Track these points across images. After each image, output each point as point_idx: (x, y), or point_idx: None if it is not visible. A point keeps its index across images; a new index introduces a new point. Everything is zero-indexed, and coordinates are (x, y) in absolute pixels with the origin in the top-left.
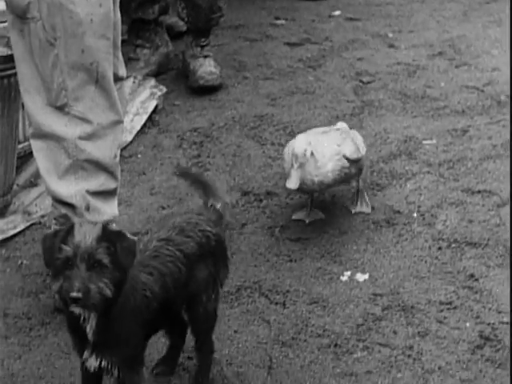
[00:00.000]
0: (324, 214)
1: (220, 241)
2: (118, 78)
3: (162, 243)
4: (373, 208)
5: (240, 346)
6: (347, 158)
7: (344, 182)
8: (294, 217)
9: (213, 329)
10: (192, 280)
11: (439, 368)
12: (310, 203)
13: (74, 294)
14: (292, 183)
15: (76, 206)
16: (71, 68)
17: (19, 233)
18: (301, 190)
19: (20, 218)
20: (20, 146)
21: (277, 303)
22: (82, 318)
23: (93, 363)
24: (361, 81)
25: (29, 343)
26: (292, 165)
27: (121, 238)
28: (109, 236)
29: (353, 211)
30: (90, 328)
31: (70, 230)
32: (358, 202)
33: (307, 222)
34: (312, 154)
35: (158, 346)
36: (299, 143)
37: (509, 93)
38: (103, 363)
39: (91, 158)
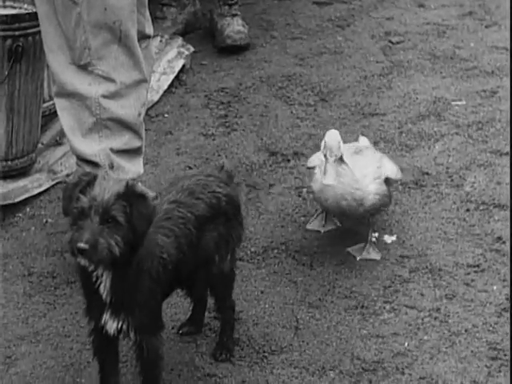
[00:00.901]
0: None
1: (232, 201)
2: (144, 36)
3: (172, 206)
4: (401, 170)
5: (267, 306)
6: (387, 179)
7: (377, 212)
8: (308, 226)
9: (231, 289)
10: (203, 241)
11: (466, 330)
12: (324, 213)
13: (82, 245)
14: (330, 178)
15: (100, 164)
16: (94, 27)
17: (44, 191)
18: (336, 213)
19: (45, 176)
20: (45, 104)
21: (304, 264)
22: (95, 277)
23: (112, 326)
24: (390, 41)
25: (54, 302)
26: (327, 158)
27: (140, 200)
28: (129, 195)
29: (358, 258)
30: (104, 288)
31: (92, 181)
32: (366, 249)
33: (322, 232)
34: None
35: (184, 306)
36: (333, 135)
37: None
38: (121, 326)
39: (115, 117)
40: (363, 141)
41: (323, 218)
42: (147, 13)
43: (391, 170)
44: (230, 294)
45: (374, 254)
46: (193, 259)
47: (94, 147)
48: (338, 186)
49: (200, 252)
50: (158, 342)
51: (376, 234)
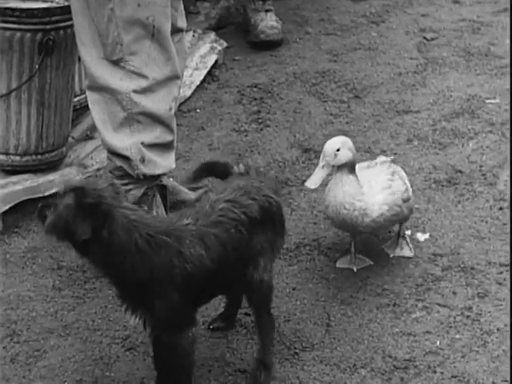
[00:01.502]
0: None
1: (280, 209)
2: (177, 30)
3: (228, 205)
4: (434, 167)
5: (298, 303)
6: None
7: (393, 223)
8: (338, 265)
9: (270, 301)
10: (251, 244)
11: (498, 329)
12: (353, 248)
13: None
14: (311, 182)
15: (131, 158)
16: (126, 22)
17: None
18: (338, 223)
19: (75, 170)
20: (76, 98)
21: (336, 261)
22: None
23: (130, 318)
24: (424, 37)
25: (83, 296)
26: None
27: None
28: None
29: (391, 255)
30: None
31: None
32: (399, 246)
33: (355, 270)
34: (356, 177)
35: (214, 302)
36: (332, 141)
37: None
38: (138, 320)
39: (146, 111)
40: (384, 159)
41: (352, 255)
42: (181, 6)
43: (399, 187)
44: (269, 306)
45: (408, 251)
46: (238, 263)
47: (125, 141)
48: (339, 194)
49: (247, 255)
50: (180, 339)
51: (409, 232)
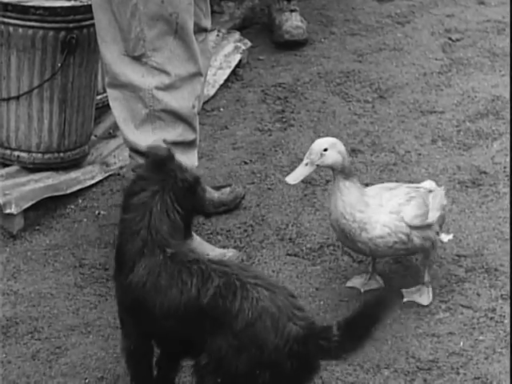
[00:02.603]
0: None
1: None
2: (201, 29)
3: None
4: (459, 168)
5: (322, 303)
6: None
7: (399, 252)
8: (348, 284)
9: None
10: None
11: None
12: (371, 269)
13: None
14: (291, 178)
15: None
16: (150, 18)
17: (97, 183)
18: (338, 234)
19: (98, 168)
20: (99, 96)
21: (360, 262)
22: None
23: None
24: (449, 38)
25: (105, 293)
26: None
27: None
28: None
29: (405, 299)
30: None
31: None
32: (418, 291)
33: (362, 291)
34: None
35: None
36: (321, 140)
37: None
38: None
39: (168, 108)
40: (429, 184)
41: (367, 277)
42: (206, 5)
43: (411, 211)
44: None
45: (425, 299)
46: None
47: (147, 139)
48: (339, 203)
49: None
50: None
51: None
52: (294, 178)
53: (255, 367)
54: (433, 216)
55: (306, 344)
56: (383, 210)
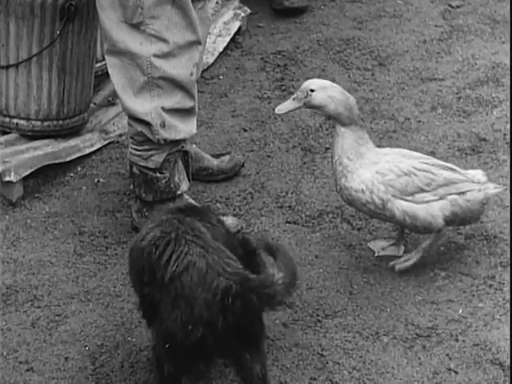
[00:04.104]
0: None
1: None
2: None
3: None
4: (458, 135)
5: (321, 270)
6: None
7: (375, 216)
8: (368, 244)
9: None
10: None
11: None
12: (397, 237)
13: None
14: (278, 108)
15: (151, 123)
16: None
17: (96, 151)
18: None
19: (97, 136)
20: (98, 64)
21: (359, 229)
22: None
23: None
24: (449, 5)
25: (105, 261)
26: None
27: None
28: None
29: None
30: None
31: None
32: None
33: (376, 254)
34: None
35: None
36: (313, 80)
37: None
38: None
39: (166, 76)
40: (477, 173)
41: (389, 243)
42: None
43: (394, 182)
44: None
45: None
46: None
47: (145, 106)
48: (335, 145)
49: None
50: None
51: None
52: (280, 108)
53: (187, 323)
54: (424, 198)
55: (242, 297)
56: (373, 167)
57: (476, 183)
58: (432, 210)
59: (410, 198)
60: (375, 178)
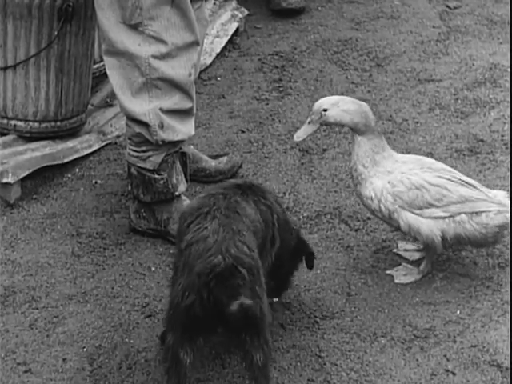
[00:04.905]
0: None
1: None
2: None
3: None
4: (456, 136)
5: (318, 272)
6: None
7: (387, 223)
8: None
9: None
10: None
11: None
12: (427, 259)
13: None
14: (296, 135)
15: (149, 124)
16: None
17: (94, 152)
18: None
19: (95, 137)
20: (96, 65)
21: (357, 230)
22: None
23: None
24: (447, 6)
25: (103, 262)
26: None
27: None
28: None
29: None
30: None
31: None
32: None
33: (396, 281)
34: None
35: None
36: (322, 100)
37: None
38: None
39: (165, 77)
40: (499, 194)
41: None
42: None
43: (402, 195)
44: None
45: (408, 278)
46: None
47: (143, 106)
48: (353, 155)
49: None
50: None
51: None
52: (298, 135)
53: (186, 288)
54: (433, 213)
55: (221, 278)
56: (386, 177)
57: (496, 204)
58: (434, 229)
59: (418, 211)
60: (385, 187)
